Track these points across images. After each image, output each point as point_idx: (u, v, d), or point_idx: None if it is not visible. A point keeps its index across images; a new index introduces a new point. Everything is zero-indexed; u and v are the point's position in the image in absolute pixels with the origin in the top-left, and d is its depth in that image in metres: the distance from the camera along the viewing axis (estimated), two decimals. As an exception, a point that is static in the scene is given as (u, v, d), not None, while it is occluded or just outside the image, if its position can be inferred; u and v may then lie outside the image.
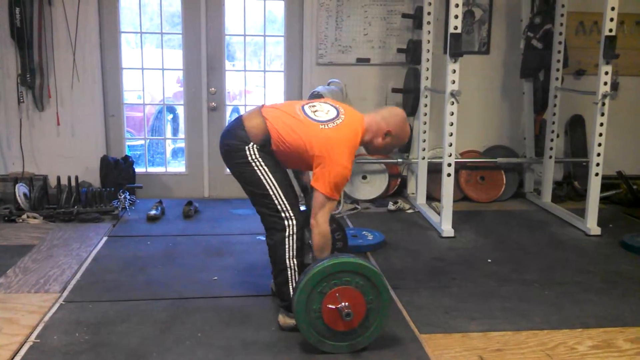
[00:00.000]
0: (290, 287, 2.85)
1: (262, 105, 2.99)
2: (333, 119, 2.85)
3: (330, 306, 2.58)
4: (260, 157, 2.82)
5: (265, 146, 2.84)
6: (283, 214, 2.83)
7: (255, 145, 2.82)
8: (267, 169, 2.83)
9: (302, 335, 2.67)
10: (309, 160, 2.80)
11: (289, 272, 2.85)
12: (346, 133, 2.82)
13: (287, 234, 2.83)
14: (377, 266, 3.73)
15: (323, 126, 2.81)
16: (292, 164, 2.98)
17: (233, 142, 2.86)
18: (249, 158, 2.82)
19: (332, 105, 2.96)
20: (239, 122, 2.91)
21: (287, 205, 2.83)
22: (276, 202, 2.83)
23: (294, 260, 2.84)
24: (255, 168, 2.82)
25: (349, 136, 2.83)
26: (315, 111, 2.90)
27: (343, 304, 2.58)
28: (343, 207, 5.03)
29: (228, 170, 3.00)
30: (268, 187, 2.83)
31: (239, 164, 2.86)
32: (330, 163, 2.74)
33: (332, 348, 2.66)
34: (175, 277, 3.53)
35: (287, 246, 2.83)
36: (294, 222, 2.84)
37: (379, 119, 2.92)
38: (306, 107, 2.92)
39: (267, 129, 2.83)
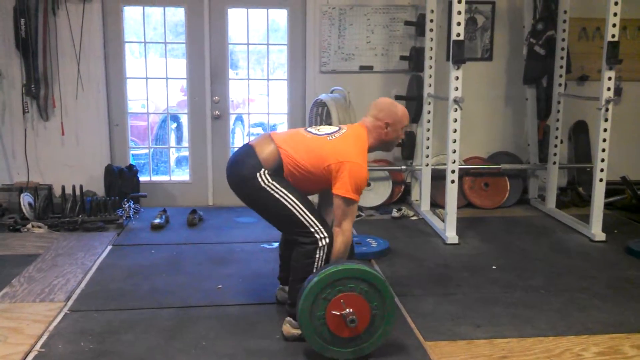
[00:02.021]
0: None
1: (270, 133, 3.00)
2: (337, 131, 2.95)
3: (334, 312, 2.58)
4: (273, 180, 2.79)
5: (278, 171, 2.82)
6: (313, 229, 2.79)
7: (266, 171, 2.80)
8: (284, 190, 2.80)
9: (307, 344, 2.67)
10: (324, 173, 2.80)
11: None
12: (354, 138, 2.89)
13: (320, 245, 2.79)
14: (382, 273, 3.73)
15: (330, 137, 2.88)
16: (308, 187, 2.91)
17: (243, 173, 2.83)
18: (262, 184, 2.79)
19: (331, 126, 3.08)
20: (248, 150, 2.88)
21: (316, 221, 2.80)
22: (303, 220, 2.79)
23: None
24: (272, 192, 2.79)
25: (357, 141, 2.89)
26: (319, 129, 2.99)
27: (347, 310, 2.58)
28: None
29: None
30: (291, 207, 2.79)
31: (252, 193, 2.82)
32: (347, 165, 2.76)
33: (337, 354, 2.65)
34: (179, 285, 3.53)
35: (317, 256, 2.79)
36: (326, 235, 2.80)
37: (372, 118, 2.96)
38: (309, 128, 3.02)
39: (279, 155, 2.83)
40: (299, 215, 2.79)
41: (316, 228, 2.80)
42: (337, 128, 2.98)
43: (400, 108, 3.01)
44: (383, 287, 2.64)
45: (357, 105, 5.11)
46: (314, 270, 2.77)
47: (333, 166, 2.78)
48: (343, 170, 2.76)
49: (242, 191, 2.90)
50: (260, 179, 2.79)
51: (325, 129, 2.98)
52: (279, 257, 3.25)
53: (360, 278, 2.60)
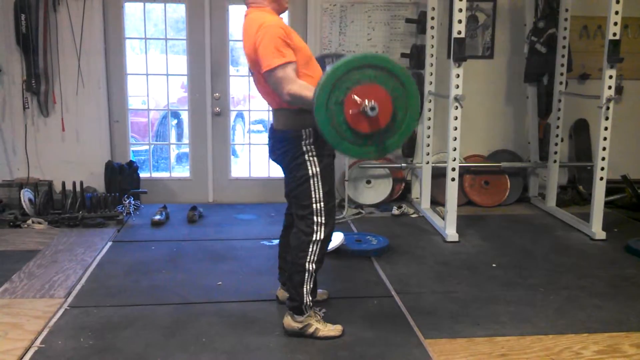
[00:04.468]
0: (305, 289, 2.79)
1: None
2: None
3: (353, 111, 2.39)
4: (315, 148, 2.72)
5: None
6: (316, 219, 2.74)
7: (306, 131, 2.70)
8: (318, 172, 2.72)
9: (306, 340, 2.66)
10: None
11: (306, 275, 2.79)
12: (255, 19, 2.75)
13: (313, 238, 2.76)
14: (381, 270, 3.74)
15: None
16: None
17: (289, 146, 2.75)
18: (304, 149, 2.71)
19: None
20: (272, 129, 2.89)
21: (323, 218, 2.75)
22: (315, 208, 2.74)
23: (314, 265, 2.79)
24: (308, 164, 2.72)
25: (261, 15, 2.75)
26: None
27: (365, 102, 2.38)
28: (347, 212, 5.03)
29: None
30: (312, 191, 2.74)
31: (294, 159, 2.74)
32: (260, 29, 2.62)
33: (362, 153, 2.57)
34: (179, 282, 3.53)
35: (310, 250, 2.76)
36: (324, 228, 2.76)
37: None
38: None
39: (282, 108, 2.77)
40: (314, 202, 2.75)
41: (320, 219, 2.75)
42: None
43: None
44: (393, 67, 2.43)
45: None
46: (306, 265, 2.76)
47: (257, 49, 2.61)
48: (258, 39, 2.61)
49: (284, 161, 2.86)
50: (303, 144, 2.72)
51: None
52: (279, 258, 3.23)
53: (362, 66, 2.40)
